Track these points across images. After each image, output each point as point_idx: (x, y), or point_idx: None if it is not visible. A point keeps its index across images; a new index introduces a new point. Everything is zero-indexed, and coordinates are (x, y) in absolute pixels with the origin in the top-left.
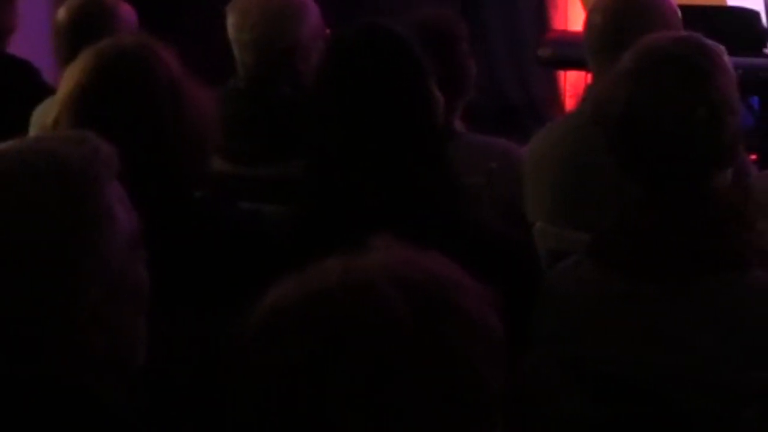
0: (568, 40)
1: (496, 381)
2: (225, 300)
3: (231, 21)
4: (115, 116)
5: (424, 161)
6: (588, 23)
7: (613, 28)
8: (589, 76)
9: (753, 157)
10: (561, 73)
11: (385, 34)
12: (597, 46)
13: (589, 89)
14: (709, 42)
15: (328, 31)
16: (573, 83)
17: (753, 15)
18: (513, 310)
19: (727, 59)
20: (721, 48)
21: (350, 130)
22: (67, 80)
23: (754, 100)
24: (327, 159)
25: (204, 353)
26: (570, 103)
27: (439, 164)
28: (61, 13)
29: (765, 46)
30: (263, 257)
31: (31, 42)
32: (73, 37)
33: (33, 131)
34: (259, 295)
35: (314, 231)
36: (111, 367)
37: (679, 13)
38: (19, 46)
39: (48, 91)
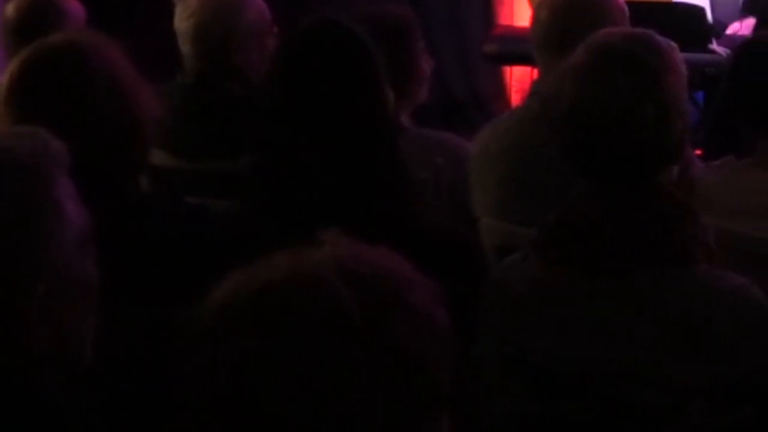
0: (514, 35)
1: (443, 376)
2: (173, 295)
3: (176, 12)
4: (49, 111)
5: (375, 157)
6: (534, 19)
7: (559, 24)
8: (535, 71)
9: (697, 152)
10: (507, 69)
11: (338, 30)
12: (543, 42)
13: (535, 85)
14: (662, 39)
15: (276, 29)
16: (519, 79)
17: (698, 11)
18: (459, 305)
19: (680, 56)
20: (673, 45)
21: (302, 125)
22: (6, 75)
23: (699, 96)
24: (278, 154)
25: (152, 348)
26: (516, 98)
27: (389, 160)
28: (9, 8)
29: (710, 42)
30: (210, 252)
31: None
32: (21, 33)
33: None
34: (207, 289)
35: (263, 226)
36: (58, 363)
37: (626, 9)
38: None
39: None
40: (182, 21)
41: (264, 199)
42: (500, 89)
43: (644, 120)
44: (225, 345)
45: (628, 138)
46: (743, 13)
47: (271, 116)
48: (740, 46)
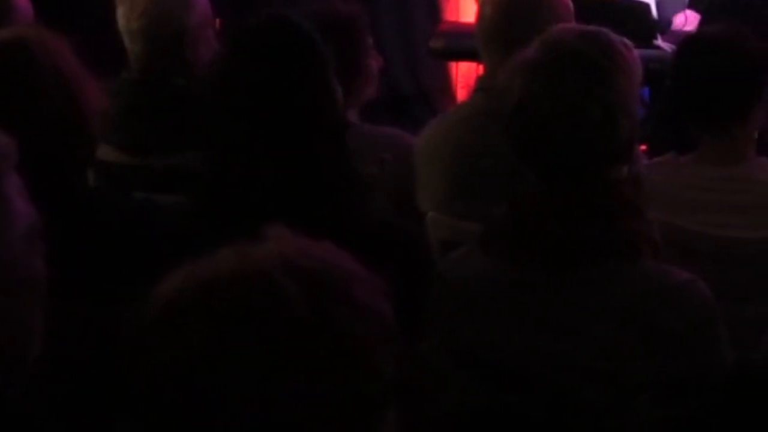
0: (460, 31)
1: (389, 370)
2: (120, 290)
3: (120, 11)
4: None
5: (322, 152)
6: (479, 15)
7: (503, 20)
8: (481, 67)
9: (642, 147)
10: (453, 64)
11: (287, 26)
12: (488, 38)
13: (481, 80)
14: (617, 39)
15: (218, 21)
16: (464, 74)
17: (643, 7)
18: (405, 299)
19: (635, 57)
20: (629, 45)
21: (250, 120)
22: None
23: (644, 91)
24: (226, 149)
25: (100, 343)
26: (461, 93)
27: (337, 155)
28: None
29: (655, 38)
30: (157, 247)
31: None
32: None
33: None
34: (154, 284)
35: (210, 221)
36: (5, 358)
37: (571, 6)
38: None
39: None
40: (131, 20)
41: (211, 194)
42: (446, 85)
43: (590, 119)
44: (171, 339)
45: (573, 136)
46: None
47: (220, 112)
48: (683, 42)
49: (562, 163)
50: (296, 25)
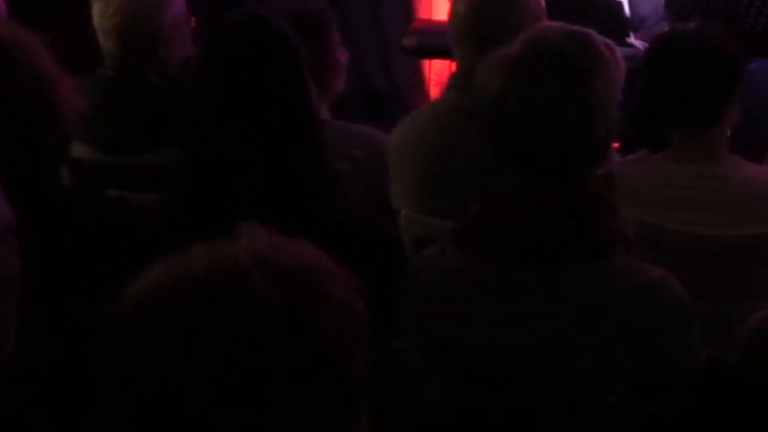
0: (433, 29)
1: (362, 367)
2: (95, 288)
3: (95, 9)
4: None
5: (297, 150)
6: (452, 13)
7: (476, 17)
8: (454, 65)
9: (615, 144)
10: (426, 62)
11: (262, 24)
12: (461, 36)
13: (453, 78)
14: (601, 41)
15: (193, 19)
16: (437, 72)
17: (616, 5)
18: (378, 297)
19: (618, 59)
20: (613, 48)
21: (226, 118)
22: None
23: None
24: (202, 147)
25: (74, 341)
26: (434, 91)
27: (311, 152)
28: None
29: (627, 35)
30: (132, 245)
31: None
32: None
33: None
34: (128, 282)
35: (185, 219)
36: None
37: (543, 3)
38: None
39: None
40: (106, 18)
41: (186, 192)
42: (419, 82)
43: (565, 119)
44: (145, 337)
45: (546, 134)
46: (665, 9)
47: (196, 109)
48: (655, 40)
49: (535, 160)
50: (271, 22)
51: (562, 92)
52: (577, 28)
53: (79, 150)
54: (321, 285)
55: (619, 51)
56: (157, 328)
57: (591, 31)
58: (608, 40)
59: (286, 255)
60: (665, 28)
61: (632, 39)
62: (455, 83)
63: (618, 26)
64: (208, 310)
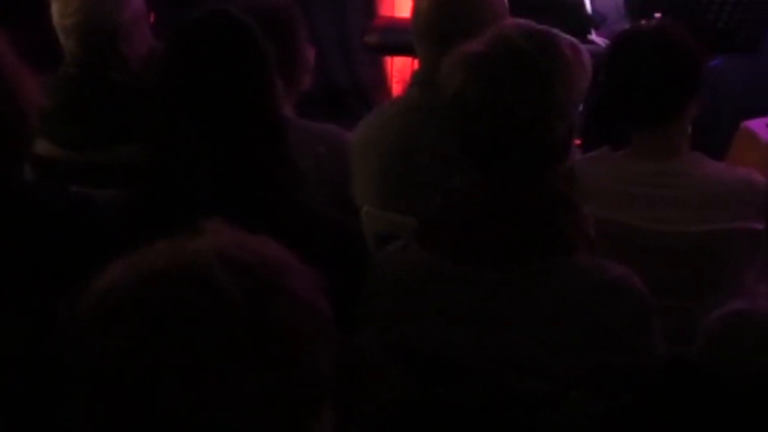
0: (395, 26)
1: (326, 362)
2: (56, 284)
3: (54, 8)
4: None
5: (262, 147)
6: (415, 10)
7: (438, 15)
8: (416, 62)
9: (577, 141)
10: (388, 59)
11: (229, 21)
12: (423, 33)
13: (416, 75)
14: (566, 42)
15: (152, 15)
16: (400, 69)
17: (577, 2)
18: (341, 293)
19: (582, 61)
20: (579, 49)
21: (191, 115)
22: None
23: None
24: (167, 144)
25: (37, 336)
26: (397, 88)
27: (278, 149)
28: None
29: (589, 33)
30: (94, 242)
31: None
32: None
33: None
34: (90, 278)
35: (148, 215)
36: None
37: (506, 1)
38: None
39: None
40: (66, 17)
41: (150, 188)
42: (381, 79)
43: (522, 119)
44: (107, 333)
45: (504, 133)
46: (627, 7)
47: (161, 106)
48: (616, 37)
49: (495, 158)
50: (237, 19)
51: (521, 92)
52: (542, 27)
53: (41, 147)
54: (283, 281)
55: (585, 52)
56: (119, 326)
57: (556, 32)
58: (574, 41)
59: (249, 251)
60: (626, 25)
61: (594, 36)
62: (417, 80)
63: (579, 23)
64: (170, 307)
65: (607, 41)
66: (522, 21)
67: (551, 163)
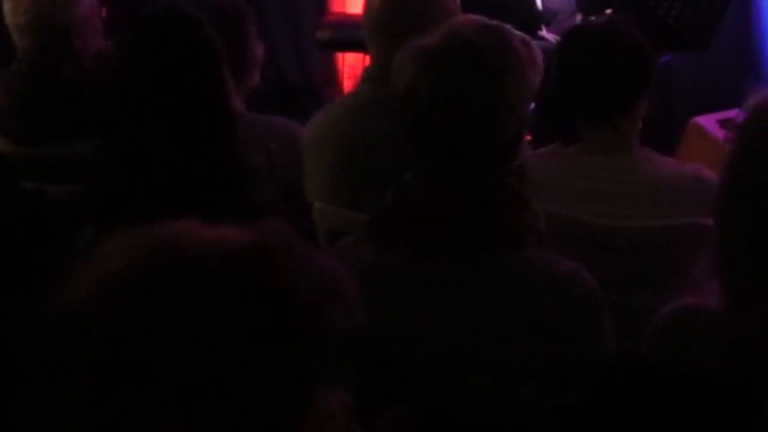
0: (347, 22)
1: (304, 358)
2: (10, 279)
3: (7, 6)
4: None
5: (213, 142)
6: (366, 6)
7: (390, 11)
8: (367, 58)
9: (528, 137)
10: (339, 55)
11: (180, 17)
12: (375, 29)
13: (367, 71)
14: (518, 38)
15: (104, 10)
16: (351, 65)
17: None
18: None
19: (534, 58)
20: (532, 46)
21: (142, 110)
22: None
23: None
24: (119, 139)
25: None
26: (348, 84)
27: (228, 145)
28: None
29: (539, 29)
30: (49, 236)
31: None
32: None
33: None
34: (45, 273)
35: (101, 209)
36: None
37: None
38: None
39: None
40: (18, 15)
41: (102, 183)
42: (333, 75)
43: (471, 114)
44: (114, 321)
45: (453, 128)
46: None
47: (113, 102)
48: (567, 33)
49: (444, 153)
50: (188, 16)
51: (471, 87)
52: (494, 23)
53: None
54: (251, 270)
55: (537, 48)
56: (91, 340)
57: (508, 28)
58: (526, 37)
59: (210, 240)
60: (577, 21)
61: (544, 32)
62: (369, 76)
63: (530, 19)
64: (138, 307)
65: (557, 37)
66: (474, 17)
67: (502, 159)
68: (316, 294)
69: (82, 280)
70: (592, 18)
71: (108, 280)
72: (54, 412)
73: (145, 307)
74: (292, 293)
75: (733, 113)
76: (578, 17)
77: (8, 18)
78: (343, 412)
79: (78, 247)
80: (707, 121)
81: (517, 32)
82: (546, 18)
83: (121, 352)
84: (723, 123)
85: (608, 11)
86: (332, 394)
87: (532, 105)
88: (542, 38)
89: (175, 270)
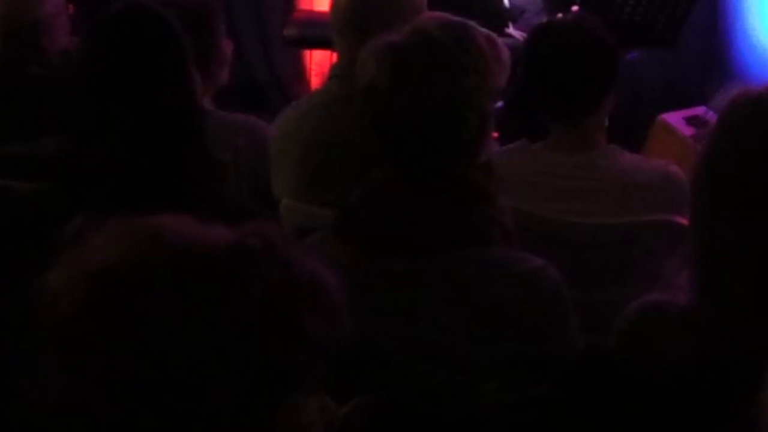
0: (314, 20)
1: (277, 354)
2: None
3: None
4: None
5: (180, 139)
6: (334, 4)
7: (357, 8)
8: (335, 55)
9: (494, 134)
10: (307, 52)
11: (147, 14)
12: (342, 27)
13: (335, 68)
14: (482, 34)
15: (71, 7)
16: (318, 62)
17: None
18: None
19: (499, 55)
20: (496, 43)
21: (109, 107)
22: None
23: None
24: (85, 136)
25: None
26: (315, 81)
27: (195, 142)
28: None
29: (507, 26)
30: (13, 232)
31: None
32: None
33: None
34: (10, 269)
35: (67, 206)
36: None
37: None
38: None
39: None
40: None
41: (68, 180)
42: (300, 73)
43: (433, 109)
44: (100, 303)
45: (413, 123)
46: (544, 0)
47: (80, 98)
48: (534, 30)
49: (408, 148)
50: (155, 13)
51: (432, 83)
52: (458, 20)
53: None
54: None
55: (503, 45)
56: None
57: (473, 24)
58: (492, 34)
59: (194, 237)
60: (544, 19)
61: (511, 30)
62: (336, 73)
63: (497, 17)
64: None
65: (524, 35)
66: (440, 14)
67: (466, 156)
68: (294, 301)
69: (65, 269)
70: (559, 15)
71: (92, 270)
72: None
73: (123, 297)
74: (270, 299)
75: (699, 110)
76: (545, 15)
77: None
78: (320, 421)
79: (62, 238)
80: (674, 118)
81: (483, 29)
82: (513, 15)
83: (94, 339)
84: (689, 120)
85: (575, 9)
86: (308, 402)
87: (500, 102)
88: (509, 35)
89: (156, 263)
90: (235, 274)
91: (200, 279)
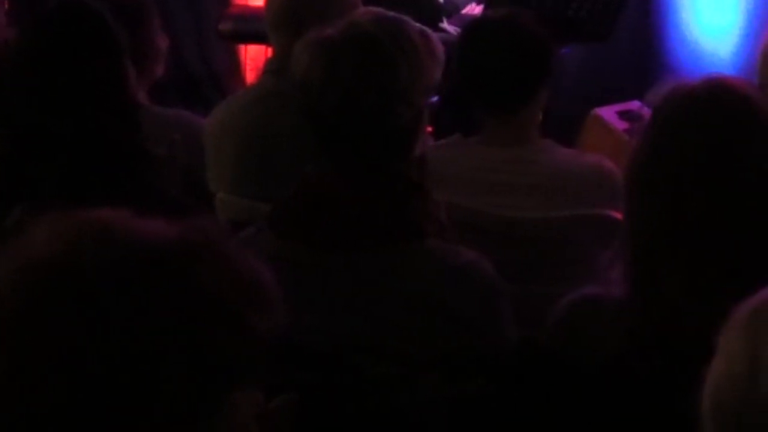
0: (249, 14)
1: (225, 350)
2: None
3: None
4: None
5: (116, 133)
6: None
7: (292, 3)
8: (270, 50)
9: (429, 128)
10: (242, 47)
11: (81, 8)
12: (277, 21)
13: (269, 63)
14: (415, 29)
15: (6, 2)
16: (253, 57)
17: None
18: None
19: (433, 50)
20: (430, 38)
21: (43, 102)
22: None
23: None
24: (20, 130)
25: None
26: (250, 76)
27: (130, 136)
28: None
29: (440, 20)
30: None
31: None
32: None
33: None
34: None
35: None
36: None
37: None
38: None
39: None
40: None
41: (6, 174)
42: (235, 67)
43: (364, 103)
44: (43, 297)
45: (346, 117)
46: None
47: (14, 93)
48: (467, 25)
49: (340, 143)
50: (90, 7)
51: (364, 77)
52: (392, 14)
53: None
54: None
55: (437, 40)
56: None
57: (406, 19)
58: (425, 29)
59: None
60: (478, 13)
61: (445, 24)
62: (271, 68)
63: (431, 12)
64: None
65: (458, 29)
66: (374, 9)
67: (400, 150)
68: (237, 298)
69: (7, 261)
70: (493, 10)
71: (33, 263)
72: None
73: (66, 291)
74: (213, 296)
75: (633, 105)
76: (479, 10)
77: None
78: (253, 415)
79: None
80: (607, 113)
81: (417, 24)
82: (447, 10)
83: (38, 332)
84: (623, 114)
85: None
86: (246, 398)
87: (435, 97)
88: (443, 30)
89: (101, 257)
90: (180, 270)
91: (146, 274)
